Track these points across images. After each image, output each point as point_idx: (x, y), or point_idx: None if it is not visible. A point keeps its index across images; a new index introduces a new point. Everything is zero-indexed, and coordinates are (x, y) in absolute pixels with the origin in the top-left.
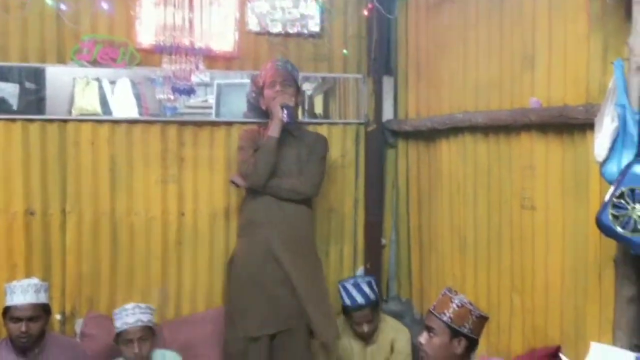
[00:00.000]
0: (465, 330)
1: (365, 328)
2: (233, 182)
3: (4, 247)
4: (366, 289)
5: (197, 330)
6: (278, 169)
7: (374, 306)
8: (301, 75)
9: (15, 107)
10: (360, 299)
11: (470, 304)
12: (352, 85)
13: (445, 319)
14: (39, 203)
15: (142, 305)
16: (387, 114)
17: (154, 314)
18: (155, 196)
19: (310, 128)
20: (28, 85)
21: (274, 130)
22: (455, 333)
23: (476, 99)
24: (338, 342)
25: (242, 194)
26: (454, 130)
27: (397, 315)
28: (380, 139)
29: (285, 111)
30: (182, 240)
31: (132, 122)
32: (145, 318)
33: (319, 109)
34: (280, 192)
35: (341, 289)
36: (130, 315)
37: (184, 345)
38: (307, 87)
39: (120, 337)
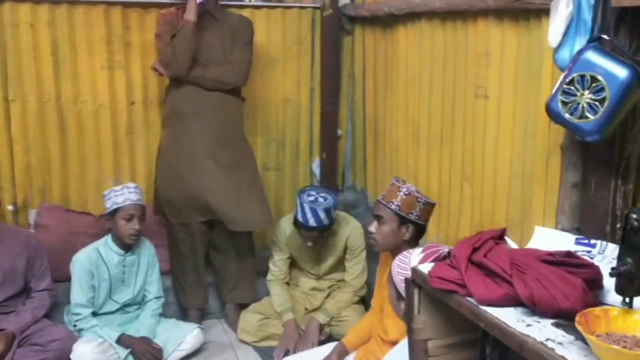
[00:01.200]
0: (412, 217)
1: (310, 244)
2: (155, 70)
3: None
4: (322, 215)
5: (153, 218)
6: (201, 56)
7: (325, 229)
8: None
9: None
10: (311, 222)
11: (417, 192)
12: None
13: (393, 207)
14: None
15: (131, 185)
16: None
17: None
18: (102, 83)
19: (264, 12)
20: None
21: (189, 13)
22: (403, 220)
23: None
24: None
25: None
26: (412, 15)
27: (352, 205)
28: (337, 25)
29: None
30: (133, 130)
31: (72, 3)
32: (142, 199)
33: None
34: (205, 83)
35: (297, 203)
36: (133, 193)
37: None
38: None
39: (120, 213)
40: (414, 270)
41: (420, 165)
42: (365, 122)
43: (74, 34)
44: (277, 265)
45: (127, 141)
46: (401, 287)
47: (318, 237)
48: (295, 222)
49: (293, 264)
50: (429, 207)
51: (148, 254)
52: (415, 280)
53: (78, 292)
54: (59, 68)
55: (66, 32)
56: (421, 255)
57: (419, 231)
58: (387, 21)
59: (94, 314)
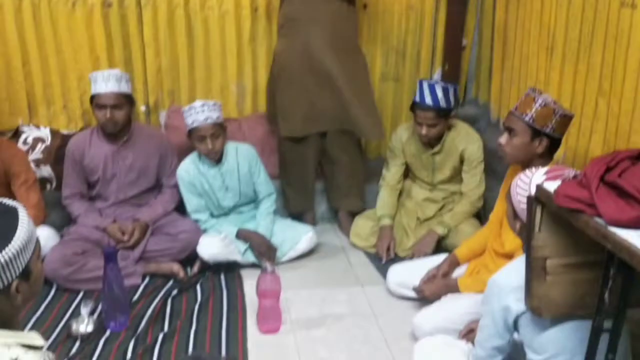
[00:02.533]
0: (547, 130)
1: (423, 130)
2: None
3: (86, 39)
4: (439, 94)
5: (261, 127)
6: None
7: (440, 113)
8: None
9: None
10: (428, 100)
11: (554, 103)
12: None
13: (527, 119)
14: None
15: (210, 102)
16: None
17: (222, 109)
18: None
19: None
20: None
21: None
22: (536, 133)
23: None
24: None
25: None
26: None
27: (473, 119)
28: None
29: None
30: (256, 37)
31: None
32: (214, 115)
33: None
34: None
35: (417, 85)
36: (200, 113)
37: (262, 139)
38: None
39: (193, 134)
40: (539, 187)
41: (552, 78)
42: (493, 32)
43: None
44: (390, 171)
45: (250, 47)
46: (518, 206)
47: (432, 124)
48: (412, 106)
49: (407, 174)
50: (566, 119)
51: (248, 159)
52: (539, 197)
53: (189, 201)
54: None
55: None
56: (544, 177)
57: (554, 145)
58: None
59: (212, 216)
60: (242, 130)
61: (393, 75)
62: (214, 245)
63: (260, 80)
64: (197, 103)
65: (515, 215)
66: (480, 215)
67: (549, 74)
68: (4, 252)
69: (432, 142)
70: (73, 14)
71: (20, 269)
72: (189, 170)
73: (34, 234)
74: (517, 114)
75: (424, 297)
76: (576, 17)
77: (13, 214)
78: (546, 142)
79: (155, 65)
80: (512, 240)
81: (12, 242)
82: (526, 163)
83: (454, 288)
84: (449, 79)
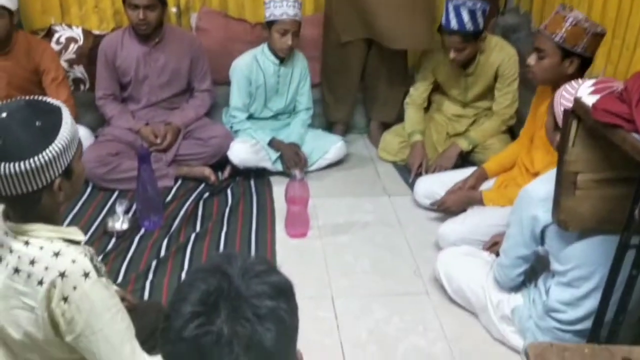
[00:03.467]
0: (578, 50)
1: (452, 54)
2: None
3: None
4: (465, 16)
5: (305, 33)
6: None
7: (468, 37)
8: None
9: None
10: (453, 23)
11: (586, 20)
12: None
13: (557, 39)
14: None
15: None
16: None
17: None
18: None
19: None
20: None
21: None
22: (567, 53)
23: None
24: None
25: None
26: None
27: (512, 29)
28: None
29: None
30: None
31: None
32: (299, 14)
33: None
34: None
35: (445, 7)
36: (290, 7)
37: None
38: None
39: (276, 26)
40: (577, 101)
41: None
42: None
43: None
44: (418, 89)
45: None
46: (560, 117)
47: (461, 48)
48: (439, 28)
49: (438, 88)
50: (599, 38)
51: (301, 67)
52: (576, 111)
53: (236, 96)
54: None
55: None
56: (592, 89)
57: (585, 64)
58: None
59: (249, 118)
60: None
61: None
62: (244, 151)
63: None
64: None
65: (556, 126)
66: (513, 131)
67: None
68: (47, 150)
69: (464, 64)
70: None
71: (63, 167)
72: (250, 64)
73: (76, 133)
74: (546, 34)
75: (445, 208)
76: None
77: (57, 113)
78: (577, 62)
79: None
80: (541, 159)
81: (56, 141)
82: (556, 83)
83: (477, 201)
84: None
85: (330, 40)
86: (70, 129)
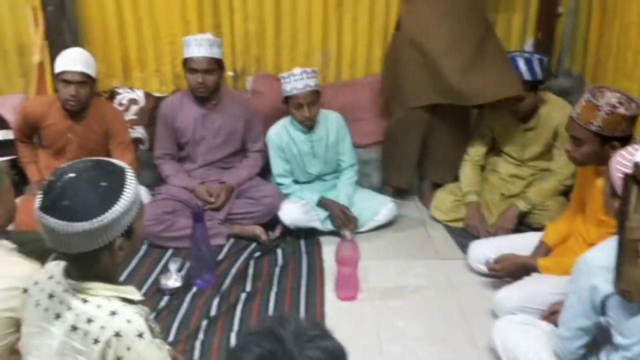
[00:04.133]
0: (618, 134)
1: (512, 106)
2: None
3: (178, 4)
4: (522, 66)
5: (357, 94)
6: None
7: (525, 86)
8: None
9: None
10: None
11: (620, 103)
12: None
13: (593, 128)
14: None
15: (309, 69)
16: None
17: (318, 76)
18: None
19: None
20: None
21: None
22: (606, 140)
23: None
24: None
25: None
26: None
27: (566, 92)
28: None
29: None
30: (342, 2)
31: None
32: (312, 83)
33: None
34: None
35: None
36: (299, 81)
37: (344, 107)
38: None
39: (291, 101)
40: (637, 166)
41: None
42: None
43: None
44: (475, 146)
45: (336, 14)
46: (617, 184)
47: (521, 98)
48: None
49: (494, 149)
50: (636, 118)
51: (337, 127)
52: (637, 176)
53: (275, 165)
54: None
55: None
56: None
57: (629, 139)
58: None
59: (295, 182)
60: (325, 98)
61: None
62: (294, 211)
63: (345, 48)
64: (296, 70)
65: (613, 193)
66: (568, 192)
67: None
68: (111, 211)
69: (525, 117)
70: None
71: (125, 228)
72: (280, 134)
73: (139, 195)
74: (581, 124)
75: (497, 274)
76: None
77: (122, 174)
78: (619, 143)
79: (243, 31)
80: (595, 231)
81: (120, 202)
82: (598, 162)
83: (532, 268)
84: (542, 49)
85: (393, 105)
86: (134, 191)
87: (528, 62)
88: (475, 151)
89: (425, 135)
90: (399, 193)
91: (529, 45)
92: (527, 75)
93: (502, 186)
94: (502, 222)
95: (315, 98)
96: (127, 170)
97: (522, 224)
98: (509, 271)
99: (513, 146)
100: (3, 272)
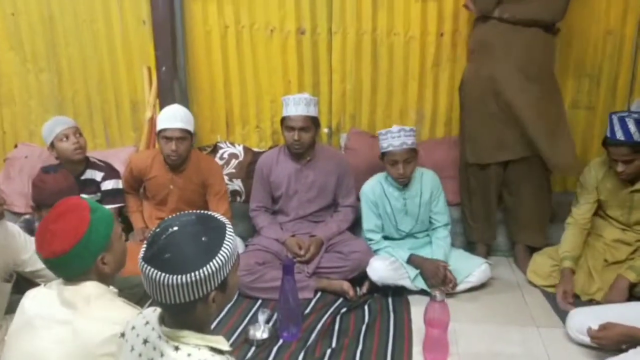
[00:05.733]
0: None
1: (619, 167)
2: (466, 7)
3: (280, 64)
4: (632, 127)
5: (449, 152)
6: None
7: (636, 148)
8: None
9: None
10: (619, 134)
11: None
12: None
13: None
14: (308, 22)
15: (407, 128)
16: None
17: (415, 135)
18: (415, 15)
19: None
20: None
21: None
22: None
23: None
24: (575, 171)
25: None
26: None
27: None
28: None
29: None
30: (439, 62)
31: None
32: (409, 141)
33: None
34: (518, 22)
35: (608, 119)
36: (395, 138)
37: (436, 165)
38: None
39: (387, 157)
40: None
41: None
42: None
43: None
44: (581, 208)
45: (432, 73)
46: None
47: (629, 160)
48: (604, 141)
49: (599, 212)
50: None
51: (431, 186)
52: None
53: (367, 220)
54: (377, 2)
55: None
56: None
57: None
58: None
59: (386, 238)
60: (419, 155)
61: (585, 103)
62: (383, 268)
63: (440, 106)
64: (395, 128)
65: None
66: None
67: None
68: (209, 265)
69: (632, 179)
70: (271, 40)
71: (220, 281)
72: (375, 189)
73: (236, 249)
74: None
75: (599, 343)
76: None
77: (223, 229)
78: None
79: (340, 90)
80: None
81: (218, 257)
82: None
83: (639, 339)
84: None
85: (465, 162)
86: (232, 245)
87: (638, 123)
88: (581, 213)
89: (501, 191)
90: (492, 253)
91: (636, 105)
92: (637, 137)
93: (605, 251)
94: (613, 297)
95: (411, 156)
96: (227, 226)
97: (631, 294)
98: (613, 341)
99: (618, 209)
100: (108, 317)
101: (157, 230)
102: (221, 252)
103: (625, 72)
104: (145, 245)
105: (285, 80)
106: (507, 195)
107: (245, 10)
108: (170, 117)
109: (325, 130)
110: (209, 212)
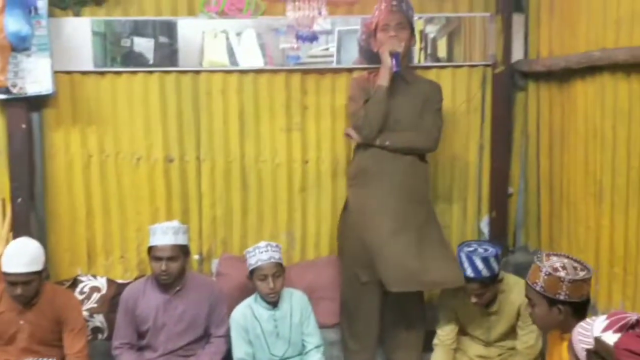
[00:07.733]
0: (561, 297)
1: (473, 299)
2: (348, 135)
3: (147, 192)
4: (479, 265)
5: (321, 273)
6: (391, 119)
7: (485, 282)
8: (424, 16)
9: (151, 61)
10: (469, 272)
11: (564, 267)
12: (478, 24)
13: (538, 288)
14: (176, 150)
15: (273, 243)
16: (517, 54)
17: (281, 251)
18: (280, 144)
19: (433, 72)
20: (162, 39)
21: (383, 79)
22: (551, 301)
23: (617, 34)
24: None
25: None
26: (591, 69)
27: (524, 267)
28: (509, 82)
29: (394, 60)
30: (306, 187)
31: (258, 71)
32: (277, 255)
33: (442, 52)
34: (396, 149)
35: (457, 256)
36: (264, 253)
37: (308, 287)
38: (430, 30)
39: (255, 273)
40: (598, 340)
41: (603, 225)
42: (539, 179)
43: (258, 100)
44: (444, 329)
45: (300, 198)
46: (582, 356)
47: (481, 293)
48: None
49: (461, 329)
50: (579, 283)
51: (300, 306)
52: (599, 351)
53: (237, 348)
54: (244, 130)
55: (251, 98)
56: (605, 323)
57: (579, 307)
58: (564, 76)
59: None
60: (290, 278)
61: (441, 222)
62: None
63: (309, 229)
64: (262, 243)
65: None
66: None
67: (599, 221)
68: None
69: (486, 304)
70: (137, 168)
71: None
72: (245, 314)
73: None
74: (529, 283)
75: None
76: (622, 164)
77: None
78: (567, 307)
79: (211, 215)
80: None
81: None
82: (560, 328)
83: None
84: (497, 227)
85: (345, 280)
86: None
87: (485, 260)
88: (445, 334)
89: (382, 313)
90: None
91: (485, 222)
92: (485, 273)
93: None
94: None
95: (279, 270)
96: None
97: None
98: None
99: (479, 329)
100: None
101: None
102: None
103: (472, 194)
104: None
105: (152, 208)
106: (385, 316)
107: (110, 140)
108: (13, 260)
109: (195, 257)
110: None
